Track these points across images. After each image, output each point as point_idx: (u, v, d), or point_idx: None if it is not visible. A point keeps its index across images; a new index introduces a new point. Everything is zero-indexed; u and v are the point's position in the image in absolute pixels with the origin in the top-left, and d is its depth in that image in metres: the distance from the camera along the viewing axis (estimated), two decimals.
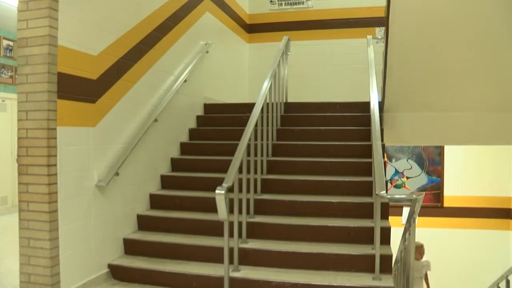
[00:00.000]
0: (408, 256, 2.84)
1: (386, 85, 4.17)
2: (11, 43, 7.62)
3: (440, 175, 7.95)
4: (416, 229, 2.75)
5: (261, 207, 3.68)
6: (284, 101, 5.19)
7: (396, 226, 4.07)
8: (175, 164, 4.46)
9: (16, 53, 3.05)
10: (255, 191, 3.71)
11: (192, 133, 4.92)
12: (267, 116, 4.16)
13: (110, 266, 3.34)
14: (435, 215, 7.73)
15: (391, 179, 8.10)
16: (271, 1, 7.22)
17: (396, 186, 8.11)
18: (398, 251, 3.62)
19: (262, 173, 3.95)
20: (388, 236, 3.22)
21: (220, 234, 3.11)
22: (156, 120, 3.95)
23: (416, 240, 5.37)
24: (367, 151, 4.10)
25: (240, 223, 3.23)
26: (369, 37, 5.05)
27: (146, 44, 3.93)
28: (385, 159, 7.30)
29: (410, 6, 3.25)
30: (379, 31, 6.58)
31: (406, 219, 2.95)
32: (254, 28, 7.27)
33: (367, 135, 4.23)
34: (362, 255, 3.08)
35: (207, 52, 5.23)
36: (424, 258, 5.82)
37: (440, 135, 4.73)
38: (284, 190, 3.92)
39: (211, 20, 5.55)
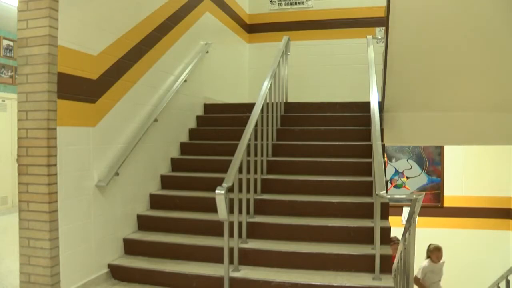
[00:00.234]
0: (408, 256, 2.84)
1: (386, 85, 4.17)
2: (11, 43, 7.62)
3: (440, 175, 7.95)
4: (416, 229, 2.76)
5: (261, 207, 3.68)
6: (284, 101, 5.19)
7: (396, 226, 4.07)
8: (175, 164, 4.46)
9: (16, 53, 3.05)
10: (255, 191, 3.71)
11: (192, 133, 4.92)
12: (267, 116, 4.16)
13: (110, 266, 3.34)
14: (435, 215, 7.73)
15: (391, 179, 8.10)
16: (271, 1, 7.22)
17: (396, 186, 8.11)
18: (398, 251, 3.62)
19: (262, 173, 3.95)
20: (388, 236, 3.22)
21: (220, 234, 3.10)
22: (156, 120, 3.95)
23: (434, 243, 5.25)
24: (367, 151, 4.10)
25: (240, 223, 3.23)
26: (369, 37, 5.05)
27: (146, 44, 3.93)
28: (385, 159, 7.30)
29: (410, 6, 3.25)
30: (379, 31, 6.58)
31: (406, 219, 2.95)
32: (254, 28, 7.27)
33: (367, 135, 4.23)
34: (362, 255, 3.08)
35: (207, 52, 5.23)
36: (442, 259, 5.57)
37: (440, 135, 4.73)
38: (284, 190, 3.92)
39: (211, 20, 5.55)
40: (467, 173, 7.82)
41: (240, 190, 3.23)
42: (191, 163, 4.47)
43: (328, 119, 4.78)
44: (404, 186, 8.08)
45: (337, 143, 4.37)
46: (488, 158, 7.73)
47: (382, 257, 2.95)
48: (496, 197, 7.66)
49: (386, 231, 3.20)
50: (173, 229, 3.69)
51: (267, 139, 4.21)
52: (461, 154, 7.85)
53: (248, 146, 3.37)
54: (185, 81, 4.56)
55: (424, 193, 7.40)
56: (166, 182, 4.25)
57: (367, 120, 4.10)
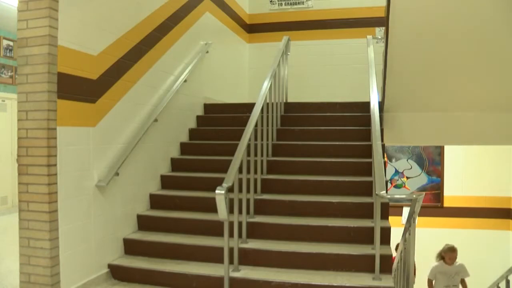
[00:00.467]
0: (408, 256, 2.84)
1: (386, 85, 4.17)
2: (11, 43, 7.62)
3: (440, 175, 7.95)
4: (416, 229, 2.75)
5: (261, 207, 3.68)
6: (284, 101, 5.19)
7: (396, 226, 4.07)
8: (175, 164, 4.46)
9: (16, 53, 3.05)
10: (255, 191, 3.71)
11: (192, 133, 4.92)
12: (267, 116, 4.16)
13: (110, 266, 3.34)
14: (435, 215, 7.73)
15: (391, 179, 8.10)
16: (271, 1, 7.22)
17: (396, 186, 8.11)
18: (398, 251, 3.62)
19: (262, 173, 3.95)
20: (388, 236, 3.22)
21: (220, 234, 3.10)
22: (156, 120, 3.95)
23: (449, 244, 5.09)
24: (367, 151, 4.10)
25: (240, 223, 3.23)
26: (369, 37, 5.05)
27: (146, 44, 3.93)
28: (385, 159, 7.30)
29: (410, 6, 3.25)
30: (379, 31, 6.58)
31: (406, 219, 2.95)
32: (254, 28, 7.27)
33: (367, 135, 4.23)
34: (362, 255, 3.08)
35: (207, 52, 5.23)
36: (459, 262, 5.19)
37: (440, 135, 4.74)
38: (284, 190, 3.92)
39: (211, 20, 5.55)
40: (467, 173, 7.82)
41: (240, 190, 3.23)
42: (191, 163, 4.47)
43: (328, 119, 4.78)
44: (404, 186, 8.08)
45: (337, 143, 4.37)
46: (488, 158, 7.73)
47: (382, 257, 2.95)
48: (496, 197, 7.66)
49: (386, 231, 3.20)
50: (173, 229, 3.69)
51: (267, 139, 4.21)
52: (461, 154, 7.85)
53: (248, 146, 3.37)
54: (185, 81, 4.56)
55: (424, 193, 7.40)
56: (166, 182, 4.25)
57: (367, 120, 4.10)
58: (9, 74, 7.64)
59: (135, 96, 3.74)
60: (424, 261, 5.56)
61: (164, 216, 3.79)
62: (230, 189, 2.87)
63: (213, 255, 3.27)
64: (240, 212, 3.21)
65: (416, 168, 8.04)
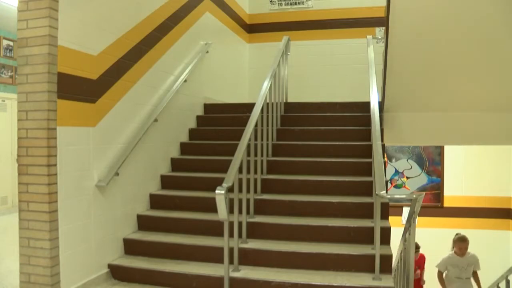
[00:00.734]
0: (408, 256, 2.84)
1: (386, 85, 4.17)
2: (11, 43, 7.62)
3: (440, 175, 7.95)
4: (416, 229, 2.75)
5: (261, 207, 3.68)
6: (284, 101, 5.19)
7: (396, 226, 4.07)
8: (175, 164, 4.46)
9: (16, 53, 3.05)
10: (255, 191, 3.71)
11: (192, 133, 4.92)
12: (267, 116, 4.16)
13: (110, 266, 3.34)
14: (435, 215, 7.73)
15: (391, 179, 8.10)
16: (271, 1, 7.22)
17: (396, 186, 8.11)
18: (398, 251, 3.62)
19: (262, 173, 3.95)
20: (388, 236, 3.22)
21: (220, 234, 3.10)
22: (156, 120, 3.95)
23: (460, 233, 4.95)
24: (367, 151, 4.10)
25: (240, 223, 3.23)
26: (369, 37, 5.05)
27: (146, 44, 3.93)
28: (385, 159, 7.30)
29: (410, 6, 3.25)
30: (379, 31, 6.58)
31: (406, 219, 2.95)
32: (254, 28, 7.27)
33: (367, 135, 4.23)
34: (362, 255, 3.08)
35: (207, 52, 5.23)
36: (471, 253, 4.99)
37: (440, 135, 4.74)
38: (284, 190, 3.92)
39: (211, 20, 5.55)
40: (467, 173, 7.82)
41: (240, 190, 3.23)
42: (191, 163, 4.47)
43: (328, 119, 4.78)
44: (404, 186, 8.08)
45: (337, 143, 4.37)
46: (488, 158, 7.73)
47: (382, 257, 2.95)
48: (496, 197, 7.66)
49: (386, 231, 3.20)
50: (173, 229, 3.69)
51: (267, 139, 4.21)
52: (461, 154, 7.85)
53: (248, 146, 3.37)
54: (185, 81, 4.56)
55: (424, 193, 7.40)
56: (166, 182, 4.25)
57: (367, 120, 4.10)
58: (9, 74, 7.64)
59: (135, 96, 3.74)
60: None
61: (164, 216, 3.79)
62: (230, 189, 2.87)
63: (213, 255, 3.27)
64: (240, 212, 3.21)
65: (416, 168, 8.04)
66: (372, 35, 5.60)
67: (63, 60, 2.84)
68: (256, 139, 3.72)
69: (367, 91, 4.10)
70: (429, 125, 4.65)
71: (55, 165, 2.78)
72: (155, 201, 4.01)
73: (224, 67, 6.11)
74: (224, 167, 3.27)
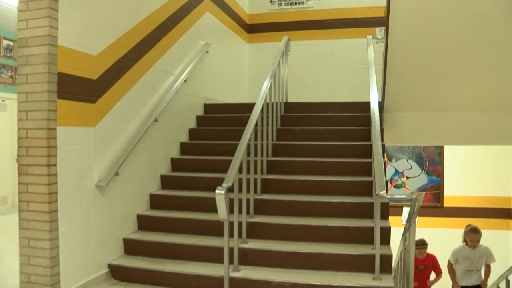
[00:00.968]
0: (408, 256, 2.84)
1: (386, 85, 4.17)
2: (11, 43, 7.62)
3: (440, 175, 7.95)
4: (416, 229, 2.75)
5: (261, 207, 3.68)
6: (284, 101, 5.19)
7: (396, 226, 4.07)
8: (175, 164, 4.46)
9: (16, 53, 3.05)
10: (255, 191, 3.71)
11: (192, 133, 4.92)
12: (267, 116, 4.16)
13: (110, 266, 3.34)
14: (435, 215, 7.73)
15: (391, 179, 8.10)
16: (271, 1, 7.22)
17: (396, 186, 8.11)
18: (398, 251, 3.62)
19: (262, 173, 3.95)
20: (388, 236, 3.22)
21: (220, 234, 3.11)
22: (156, 120, 3.95)
23: (472, 224, 4.84)
24: (367, 151, 4.10)
25: (240, 223, 3.23)
26: (369, 37, 5.05)
27: (146, 44, 3.93)
28: (385, 159, 7.30)
29: (410, 6, 3.25)
30: (379, 31, 6.58)
31: (406, 219, 2.95)
32: (254, 28, 7.27)
33: (367, 135, 4.23)
34: (362, 255, 3.08)
35: (207, 52, 5.23)
36: (484, 245, 4.76)
37: (440, 135, 4.73)
38: (284, 190, 3.92)
39: (211, 20, 5.55)
40: (467, 173, 7.81)
41: (240, 190, 3.23)
42: (191, 163, 4.47)
43: (328, 119, 4.78)
44: (404, 186, 8.08)
45: (337, 143, 4.37)
46: (488, 158, 7.73)
47: (382, 257, 2.95)
48: (496, 197, 7.66)
49: (386, 231, 3.20)
50: (173, 229, 3.69)
51: (267, 139, 4.21)
52: (461, 154, 7.85)
53: (248, 146, 3.37)
54: (185, 81, 4.56)
55: (424, 193, 7.40)
56: (166, 182, 4.25)
57: (367, 120, 4.10)
58: (9, 74, 7.64)
59: (135, 96, 3.74)
60: None
61: (164, 216, 3.79)
62: (230, 189, 2.87)
63: (213, 255, 3.27)
64: (240, 212, 3.21)
65: (416, 168, 8.04)
66: (372, 35, 5.60)
67: (63, 60, 2.84)
68: (256, 139, 3.72)
69: (367, 91, 4.10)
70: (429, 125, 4.65)
71: (55, 165, 2.78)
72: (155, 201, 4.01)
73: (224, 67, 6.11)
74: (224, 167, 3.27)
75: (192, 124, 5.04)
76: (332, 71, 6.90)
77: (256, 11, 7.28)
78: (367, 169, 3.92)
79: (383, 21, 3.85)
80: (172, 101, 4.31)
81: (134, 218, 3.77)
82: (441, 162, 7.95)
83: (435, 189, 7.93)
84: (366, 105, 4.37)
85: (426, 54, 3.75)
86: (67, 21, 2.86)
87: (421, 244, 5.13)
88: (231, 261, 3.01)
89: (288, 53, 5.29)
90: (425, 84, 4.15)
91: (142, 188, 3.89)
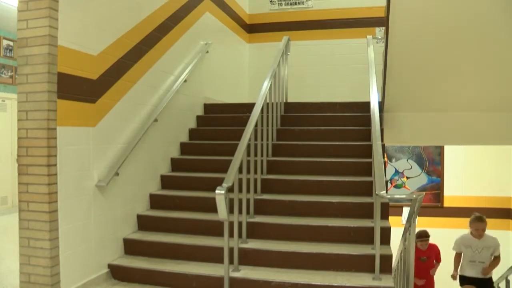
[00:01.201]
0: (408, 256, 2.84)
1: (386, 85, 4.17)
2: (11, 43, 7.62)
3: (440, 175, 7.95)
4: (416, 229, 2.75)
5: (261, 207, 3.68)
6: (284, 101, 5.19)
7: (396, 226, 4.07)
8: (175, 164, 4.46)
9: (16, 53, 3.05)
10: (255, 191, 3.71)
11: (192, 133, 4.92)
12: (267, 116, 4.16)
13: (110, 266, 3.34)
14: (435, 215, 7.73)
15: (391, 179, 8.10)
16: (271, 1, 7.22)
17: (396, 186, 8.11)
18: (398, 251, 3.62)
19: (262, 173, 3.95)
20: (388, 236, 3.22)
21: (220, 234, 3.10)
22: (156, 120, 3.95)
23: (476, 213, 4.66)
24: (367, 151, 4.10)
25: (240, 223, 3.23)
26: (369, 37, 5.05)
27: (146, 44, 3.93)
28: (385, 159, 7.30)
29: (410, 6, 3.25)
30: (379, 31, 6.58)
31: (406, 219, 2.95)
32: (254, 28, 7.27)
33: (367, 135, 4.23)
34: (362, 255, 3.08)
35: (207, 52, 5.23)
36: (491, 235, 4.51)
37: (440, 135, 4.73)
38: (284, 190, 3.92)
39: (211, 20, 5.55)
40: (467, 173, 7.82)
41: (240, 190, 3.23)
42: (191, 163, 4.47)
43: (328, 119, 4.78)
44: (404, 186, 8.08)
45: (337, 143, 4.37)
46: (488, 158, 7.73)
47: (382, 257, 2.95)
48: (496, 197, 7.66)
49: (386, 231, 3.20)
50: (173, 229, 3.69)
51: (267, 139, 4.21)
52: (461, 154, 7.85)
53: (248, 146, 3.37)
54: (185, 81, 4.56)
55: (424, 193, 7.41)
56: (166, 182, 4.25)
57: (367, 120, 4.10)
58: (9, 74, 7.64)
59: (135, 96, 3.74)
60: None
61: (164, 216, 3.79)
62: (230, 189, 2.87)
63: (213, 255, 3.27)
64: (240, 212, 3.21)
65: (416, 168, 8.04)
66: (372, 35, 5.60)
67: (63, 60, 2.84)
68: (256, 139, 3.72)
69: (367, 91, 4.10)
70: (429, 125, 4.65)
71: (55, 165, 2.78)
72: (155, 201, 4.01)
73: (224, 67, 6.11)
74: (224, 167, 3.27)
75: (192, 124, 5.04)
76: (332, 71, 6.91)
77: (256, 11, 7.28)
78: (367, 169, 3.92)
79: (383, 21, 3.85)
80: (172, 101, 4.31)
81: (134, 218, 3.77)
82: (441, 162, 7.95)
83: (435, 189, 7.93)
84: (366, 105, 4.37)
85: (426, 54, 3.75)
86: (67, 21, 2.86)
87: (424, 236, 5.15)
88: (231, 261, 3.01)
89: (288, 53, 5.29)
90: (425, 84, 4.15)
91: (142, 188, 3.89)
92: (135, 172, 3.74)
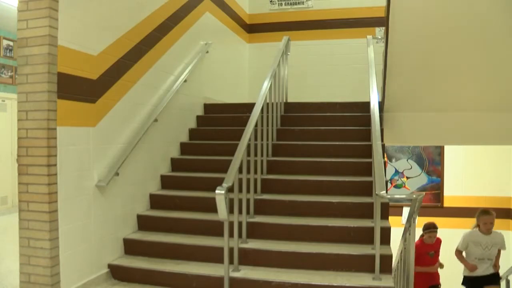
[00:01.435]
0: (408, 256, 2.84)
1: (386, 85, 4.17)
2: (11, 43, 7.62)
3: (440, 175, 7.95)
4: (416, 229, 2.76)
5: (261, 207, 3.68)
6: (284, 101, 5.19)
7: (396, 226, 4.07)
8: (175, 164, 4.46)
9: (16, 53, 3.05)
10: (255, 191, 3.71)
11: (192, 133, 4.92)
12: (267, 116, 4.16)
13: (110, 266, 3.34)
14: (435, 215, 7.70)
15: (391, 179, 8.10)
16: (271, 1, 7.22)
17: (396, 186, 8.11)
18: (398, 251, 3.62)
19: (262, 173, 3.94)
20: (388, 236, 3.22)
21: (220, 234, 3.10)
22: (156, 120, 3.95)
23: (483, 207, 4.58)
24: (367, 151, 4.10)
25: (240, 223, 3.23)
26: (369, 37, 5.05)
27: (146, 44, 3.93)
28: (385, 159, 7.30)
29: (410, 6, 3.25)
30: (379, 31, 6.58)
31: (406, 219, 2.95)
32: (254, 28, 7.27)
33: (367, 135, 4.23)
34: (362, 255, 3.08)
35: (207, 52, 5.23)
36: (498, 231, 4.39)
37: (440, 135, 4.73)
38: (284, 190, 3.92)
39: (211, 20, 5.55)
40: (467, 173, 7.81)
41: (240, 190, 3.23)
42: (191, 163, 4.47)
43: (328, 119, 4.78)
44: (404, 186, 8.08)
45: (337, 143, 4.37)
46: (488, 158, 7.73)
47: (382, 257, 2.95)
48: (496, 197, 7.65)
49: (386, 231, 3.20)
50: (173, 229, 3.69)
51: (267, 139, 4.21)
52: (461, 154, 7.85)
53: (248, 146, 3.37)
54: (185, 81, 4.56)
55: (424, 193, 7.40)
56: (166, 182, 4.25)
57: (367, 120, 4.10)
58: (9, 74, 7.64)
59: (135, 96, 3.74)
60: None
61: (164, 216, 3.79)
62: (230, 189, 2.87)
63: (213, 255, 3.27)
64: (240, 212, 3.21)
65: (416, 168, 8.04)
66: (372, 35, 5.60)
67: (63, 60, 2.84)
68: (256, 139, 3.72)
69: (367, 91, 4.10)
70: (429, 125, 4.65)
71: (55, 165, 2.78)
72: (155, 201, 4.01)
73: (224, 67, 6.11)
74: (224, 167, 3.27)
75: (192, 124, 5.04)
76: (332, 71, 6.91)
77: (256, 11, 7.28)
78: (367, 169, 3.92)
79: (383, 21, 3.85)
80: (172, 101, 4.31)
81: (134, 218, 3.77)
82: (441, 162, 7.95)
83: (435, 189, 7.93)
84: (366, 105, 4.37)
85: (426, 54, 3.75)
86: (67, 21, 2.86)
87: (432, 227, 4.86)
88: (231, 261, 3.01)
89: (288, 53, 5.29)
90: (425, 84, 4.15)
91: (142, 188, 3.89)
92: (135, 172, 3.74)
